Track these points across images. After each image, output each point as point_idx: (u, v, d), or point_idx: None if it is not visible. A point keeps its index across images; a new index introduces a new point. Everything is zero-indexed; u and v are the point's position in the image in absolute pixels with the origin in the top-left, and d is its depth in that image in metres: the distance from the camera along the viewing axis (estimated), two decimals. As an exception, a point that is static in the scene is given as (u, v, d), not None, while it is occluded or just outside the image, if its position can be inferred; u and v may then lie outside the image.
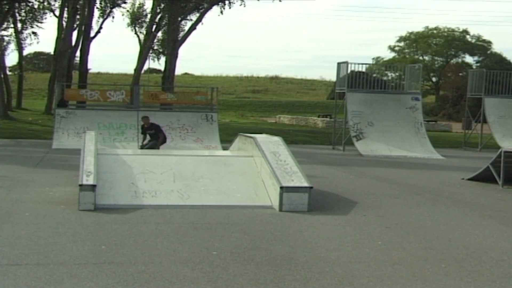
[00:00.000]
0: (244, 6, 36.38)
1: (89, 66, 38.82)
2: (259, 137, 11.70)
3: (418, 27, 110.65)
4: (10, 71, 52.02)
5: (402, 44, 71.08)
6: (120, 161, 10.77)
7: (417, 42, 69.61)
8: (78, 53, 38.19)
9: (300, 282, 5.80)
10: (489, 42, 68.90)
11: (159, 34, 42.95)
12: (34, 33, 45.46)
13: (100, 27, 41.14)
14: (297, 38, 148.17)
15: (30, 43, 63.06)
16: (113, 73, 74.90)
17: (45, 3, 40.44)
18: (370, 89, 23.21)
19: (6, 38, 44.41)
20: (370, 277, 6.06)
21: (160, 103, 23.10)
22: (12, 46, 46.43)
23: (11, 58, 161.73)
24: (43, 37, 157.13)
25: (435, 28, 70.02)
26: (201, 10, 35.88)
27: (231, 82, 76.12)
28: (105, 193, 9.38)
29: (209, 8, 35.53)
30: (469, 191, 12.44)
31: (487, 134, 24.63)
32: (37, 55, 77.99)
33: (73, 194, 9.57)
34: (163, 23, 39.16)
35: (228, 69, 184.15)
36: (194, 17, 36.84)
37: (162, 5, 38.26)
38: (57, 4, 40.76)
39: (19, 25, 44.50)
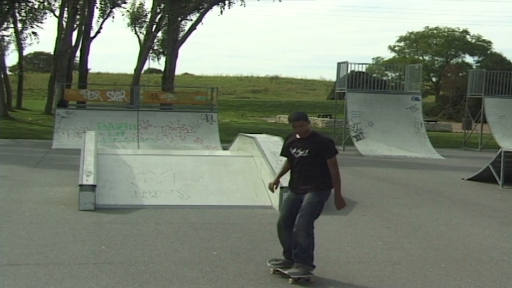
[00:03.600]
0: (244, 6, 36.45)
1: (89, 66, 38.86)
2: (259, 137, 11.70)
3: (418, 27, 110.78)
4: (10, 71, 52.10)
5: (402, 44, 71.14)
6: (120, 161, 10.77)
7: (417, 42, 69.64)
8: (78, 53, 38.19)
9: (300, 282, 5.79)
10: (489, 42, 69.01)
11: (159, 34, 42.94)
12: (34, 33, 45.49)
13: (100, 27, 41.16)
14: (297, 38, 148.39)
15: (30, 43, 63.38)
16: (113, 73, 74.87)
17: (45, 3, 40.37)
18: (370, 89, 23.21)
19: (6, 38, 44.45)
20: (370, 277, 6.06)
21: (160, 103, 23.12)
22: (12, 46, 46.54)
23: (11, 58, 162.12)
24: (43, 37, 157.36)
25: (435, 28, 70.07)
26: (201, 10, 35.87)
27: (231, 82, 76.07)
28: (105, 193, 9.38)
29: (209, 8, 35.53)
30: (469, 191, 12.44)
31: (487, 134, 24.62)
32: (37, 55, 77.98)
33: (73, 194, 9.57)
34: (163, 23, 39.13)
35: (228, 69, 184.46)
36: (194, 17, 36.83)
37: (162, 5, 38.22)
38: (57, 4, 40.73)
39: (19, 25, 44.46)
